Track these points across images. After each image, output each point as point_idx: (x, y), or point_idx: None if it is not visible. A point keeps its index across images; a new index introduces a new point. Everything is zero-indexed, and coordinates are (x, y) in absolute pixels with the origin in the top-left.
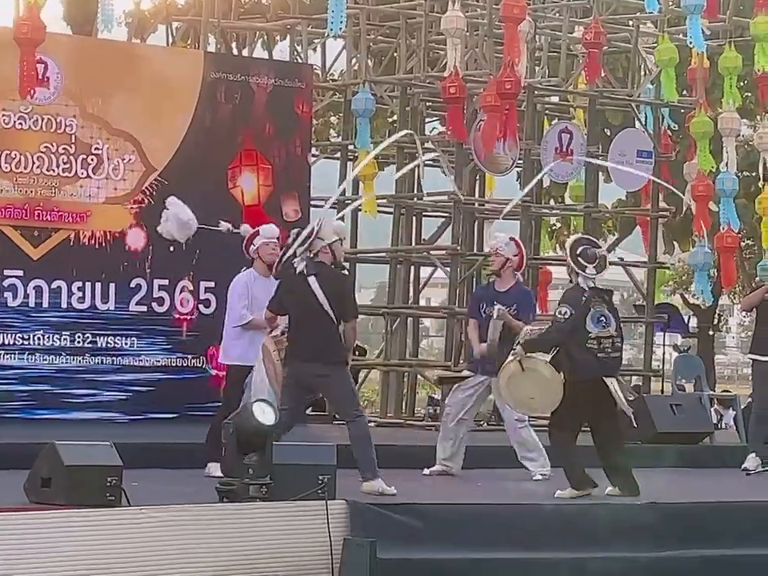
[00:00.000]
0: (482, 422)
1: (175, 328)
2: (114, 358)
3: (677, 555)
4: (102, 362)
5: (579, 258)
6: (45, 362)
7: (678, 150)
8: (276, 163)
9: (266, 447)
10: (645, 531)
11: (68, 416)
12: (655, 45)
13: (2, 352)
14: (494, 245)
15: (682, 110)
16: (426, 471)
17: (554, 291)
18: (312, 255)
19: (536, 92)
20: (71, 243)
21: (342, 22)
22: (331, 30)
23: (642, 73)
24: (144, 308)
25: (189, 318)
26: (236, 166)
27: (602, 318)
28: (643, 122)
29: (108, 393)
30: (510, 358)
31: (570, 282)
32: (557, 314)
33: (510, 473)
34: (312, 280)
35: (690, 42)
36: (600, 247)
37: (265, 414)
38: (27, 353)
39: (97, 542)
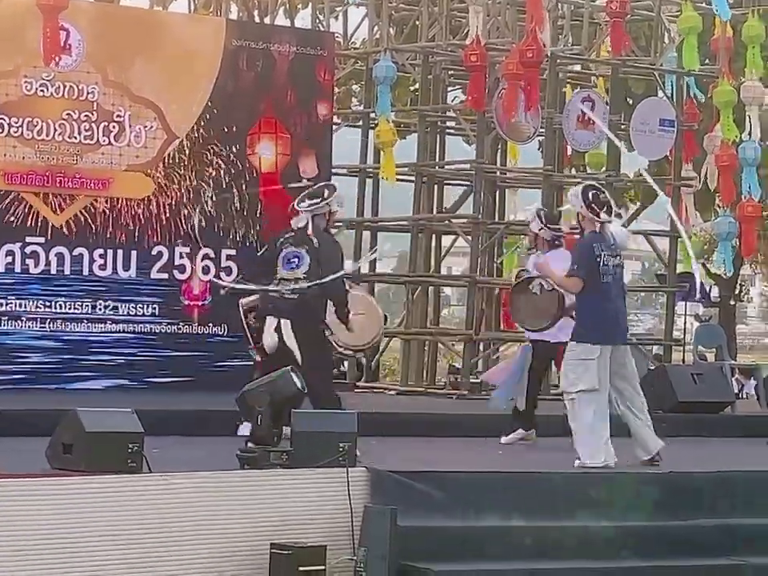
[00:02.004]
0: None
1: (195, 296)
2: (135, 326)
3: (694, 524)
4: (122, 330)
5: (298, 200)
6: (66, 330)
7: (702, 119)
8: (297, 131)
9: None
10: (662, 500)
11: (89, 383)
12: (678, 13)
13: (24, 319)
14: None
15: (704, 79)
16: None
17: None
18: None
19: (558, 60)
20: (93, 210)
21: None
22: None
23: (666, 41)
24: (165, 275)
25: (205, 296)
26: (255, 133)
27: (295, 258)
28: (666, 91)
29: (129, 360)
30: None
31: None
32: None
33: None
34: None
35: (716, 10)
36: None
37: (299, 380)
38: (49, 320)
39: (118, 508)
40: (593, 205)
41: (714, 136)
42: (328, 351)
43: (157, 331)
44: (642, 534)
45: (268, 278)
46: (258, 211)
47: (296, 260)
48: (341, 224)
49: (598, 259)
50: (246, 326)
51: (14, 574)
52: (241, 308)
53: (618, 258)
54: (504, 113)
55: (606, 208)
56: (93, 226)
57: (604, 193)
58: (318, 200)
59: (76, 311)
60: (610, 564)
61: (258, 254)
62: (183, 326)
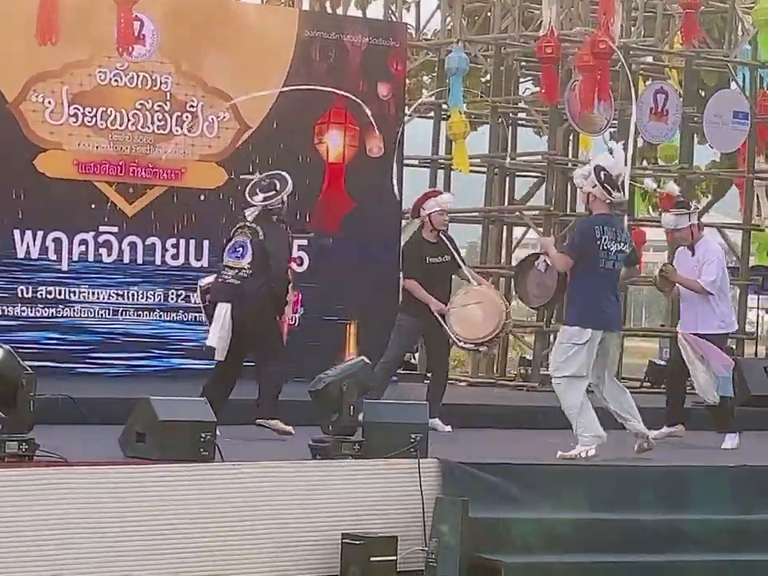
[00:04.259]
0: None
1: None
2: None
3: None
4: (195, 319)
5: (249, 189)
6: (138, 318)
7: None
8: (368, 121)
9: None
10: (736, 494)
11: (162, 371)
12: (753, 5)
13: (97, 308)
14: None
15: None
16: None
17: (647, 252)
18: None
19: (631, 52)
20: (166, 200)
21: None
22: None
23: (739, 33)
24: None
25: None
26: (324, 122)
27: (240, 248)
28: (740, 83)
29: (200, 349)
30: None
31: None
32: None
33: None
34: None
35: None
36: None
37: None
38: (121, 309)
39: (189, 497)
40: (605, 184)
41: None
42: (260, 342)
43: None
44: (719, 528)
45: None
46: (316, 200)
47: (241, 249)
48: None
49: (598, 242)
50: (203, 308)
51: (87, 560)
52: (199, 289)
53: (624, 244)
54: (581, 105)
55: (617, 188)
56: (166, 216)
57: (616, 174)
58: (272, 193)
59: (148, 300)
60: (678, 558)
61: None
62: None
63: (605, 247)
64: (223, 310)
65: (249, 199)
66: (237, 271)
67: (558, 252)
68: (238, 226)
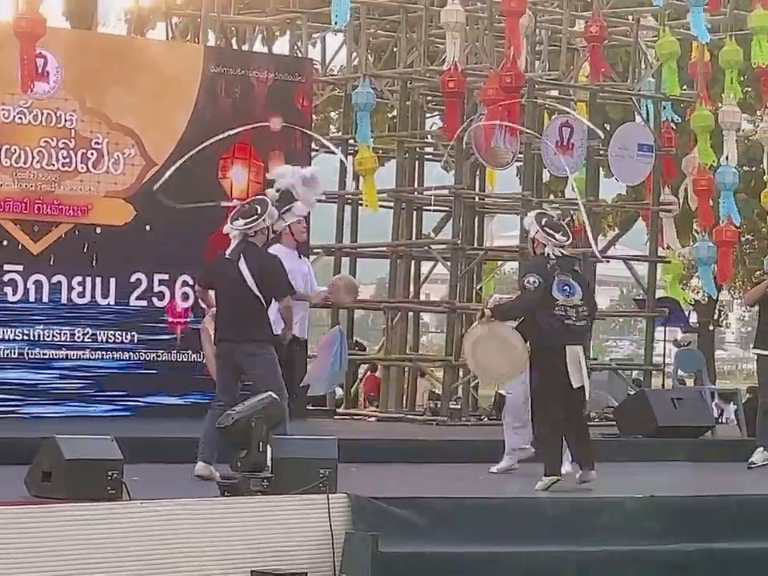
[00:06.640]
0: (482, 417)
1: (174, 323)
2: (114, 353)
3: (676, 549)
4: (101, 357)
5: (546, 228)
6: (45, 357)
7: (679, 144)
8: (275, 157)
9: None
10: (645, 525)
11: (68, 411)
12: (655, 38)
13: (2, 347)
14: None
15: (682, 104)
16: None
17: None
18: (249, 235)
19: (536, 86)
20: (71, 238)
21: (346, 14)
22: (336, 22)
23: (643, 66)
24: (144, 303)
25: (187, 314)
26: (228, 158)
27: (566, 286)
28: (644, 116)
29: (108, 388)
30: (476, 323)
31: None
32: (525, 283)
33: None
34: (241, 262)
35: (695, 33)
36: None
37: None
38: (27, 347)
39: (97, 535)
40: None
41: (691, 157)
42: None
43: (136, 358)
44: (628, 559)
45: None
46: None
47: (567, 288)
48: (319, 250)
49: None
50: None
51: None
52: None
53: None
54: (483, 139)
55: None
56: (71, 254)
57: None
58: (561, 233)
59: (54, 339)
60: None
61: (530, 286)
62: (162, 354)
63: None
64: (579, 351)
65: (545, 236)
66: (575, 310)
67: None
68: (551, 263)
